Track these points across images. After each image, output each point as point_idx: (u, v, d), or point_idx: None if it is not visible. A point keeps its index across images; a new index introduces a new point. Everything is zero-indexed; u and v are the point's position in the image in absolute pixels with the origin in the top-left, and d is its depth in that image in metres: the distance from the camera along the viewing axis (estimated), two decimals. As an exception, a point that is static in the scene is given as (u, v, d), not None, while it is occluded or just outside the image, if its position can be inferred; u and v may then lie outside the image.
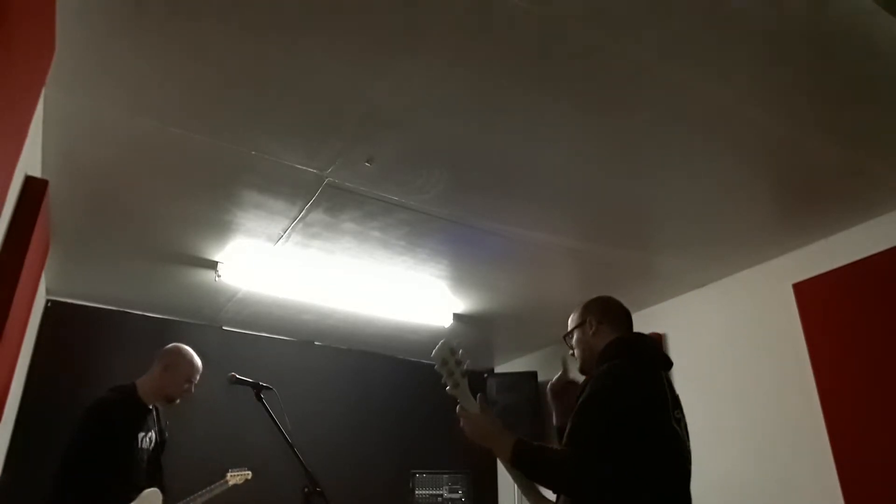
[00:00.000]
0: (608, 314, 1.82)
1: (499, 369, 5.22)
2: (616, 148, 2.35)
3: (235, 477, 3.39)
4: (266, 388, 2.66)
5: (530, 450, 1.56)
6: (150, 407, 2.86)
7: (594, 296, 1.92)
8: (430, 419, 4.79)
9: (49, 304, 3.73)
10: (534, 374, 4.61)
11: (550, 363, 4.70)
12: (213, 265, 3.33)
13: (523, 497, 1.65)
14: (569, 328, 1.90)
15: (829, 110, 2.12)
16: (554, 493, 1.55)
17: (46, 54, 1.73)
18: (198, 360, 2.95)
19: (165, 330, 4.09)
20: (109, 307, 3.95)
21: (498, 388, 4.63)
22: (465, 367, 1.69)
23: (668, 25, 1.76)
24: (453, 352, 1.68)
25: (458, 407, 1.70)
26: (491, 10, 1.71)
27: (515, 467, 1.57)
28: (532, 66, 1.92)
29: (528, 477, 1.59)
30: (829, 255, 2.95)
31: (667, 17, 1.73)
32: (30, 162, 2.16)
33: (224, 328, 4.25)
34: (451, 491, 4.30)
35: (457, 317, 4.07)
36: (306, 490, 2.59)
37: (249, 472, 3.45)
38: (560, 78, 1.98)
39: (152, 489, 2.73)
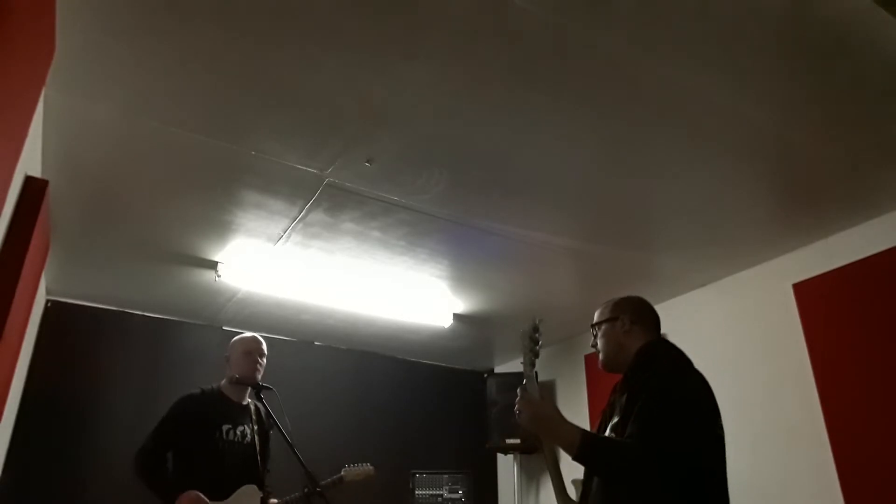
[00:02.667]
0: (642, 316, 1.81)
1: (499, 369, 5.22)
2: (616, 148, 2.35)
3: (352, 473, 3.00)
4: (266, 388, 2.66)
5: (601, 441, 1.55)
6: (245, 404, 2.80)
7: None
8: (430, 419, 4.80)
9: (49, 304, 3.73)
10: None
11: (550, 363, 4.70)
12: (213, 265, 3.33)
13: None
14: (597, 320, 1.86)
15: (828, 110, 2.12)
16: (624, 485, 1.51)
17: (46, 54, 1.73)
18: (251, 334, 2.89)
19: (165, 330, 4.09)
20: (109, 307, 3.94)
21: (498, 388, 4.61)
22: (538, 348, 1.70)
23: (668, 26, 1.76)
24: (535, 329, 1.70)
25: (520, 388, 1.67)
26: (491, 11, 1.71)
27: (579, 458, 1.51)
28: (532, 66, 1.92)
29: (592, 469, 1.56)
30: (828, 255, 2.95)
31: (667, 17, 1.73)
32: (30, 162, 2.16)
33: (224, 328, 4.24)
34: (451, 491, 4.29)
35: (457, 317, 4.07)
36: (306, 490, 2.60)
37: (371, 468, 3.04)
38: (560, 78, 1.98)
39: (249, 486, 2.63)
